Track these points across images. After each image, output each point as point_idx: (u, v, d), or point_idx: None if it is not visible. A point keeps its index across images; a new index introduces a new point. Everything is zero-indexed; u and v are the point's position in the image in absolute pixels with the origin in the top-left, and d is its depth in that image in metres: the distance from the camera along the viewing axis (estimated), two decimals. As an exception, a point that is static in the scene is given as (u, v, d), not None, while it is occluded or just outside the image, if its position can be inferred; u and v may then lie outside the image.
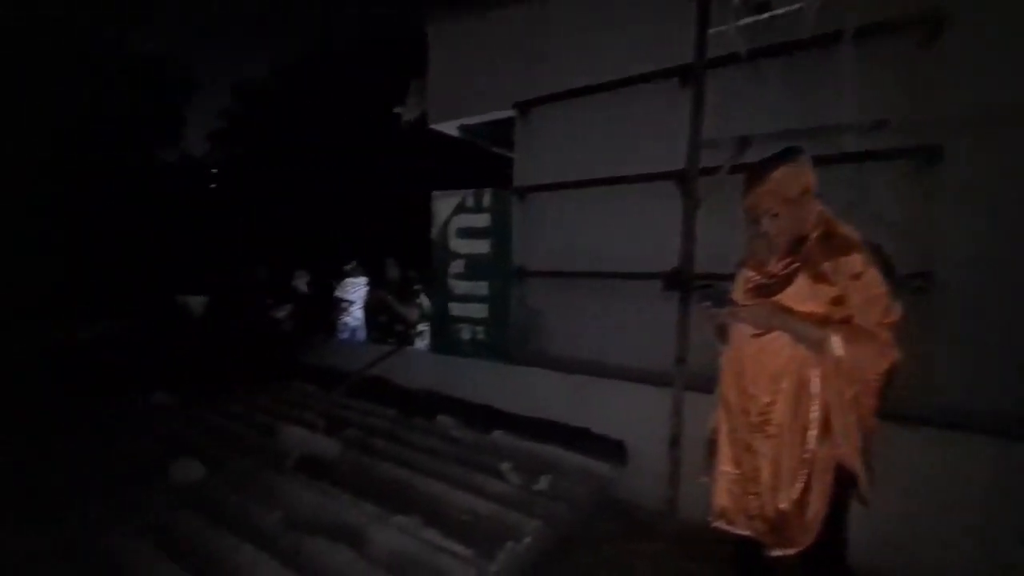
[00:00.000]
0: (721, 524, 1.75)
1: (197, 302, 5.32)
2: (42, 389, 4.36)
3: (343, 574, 1.98)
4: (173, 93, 7.15)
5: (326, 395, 4.36)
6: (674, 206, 3.12)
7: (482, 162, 5.71)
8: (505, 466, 2.95)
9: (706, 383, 2.67)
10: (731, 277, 1.90)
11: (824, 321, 1.53)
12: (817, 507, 1.56)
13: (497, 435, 3.44)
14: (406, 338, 5.20)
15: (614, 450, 3.14)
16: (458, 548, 2.11)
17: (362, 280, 6.03)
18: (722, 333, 1.80)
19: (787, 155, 1.63)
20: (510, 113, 4.56)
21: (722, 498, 1.75)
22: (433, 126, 5.13)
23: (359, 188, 6.33)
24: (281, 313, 5.36)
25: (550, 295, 4.29)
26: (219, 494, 2.58)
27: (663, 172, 3.47)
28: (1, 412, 3.83)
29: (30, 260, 5.58)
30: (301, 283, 5.80)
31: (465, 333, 4.77)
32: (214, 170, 7.09)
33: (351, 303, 5.94)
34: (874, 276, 1.51)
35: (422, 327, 5.41)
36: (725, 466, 1.75)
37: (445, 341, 4.81)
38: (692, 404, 2.86)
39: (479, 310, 4.73)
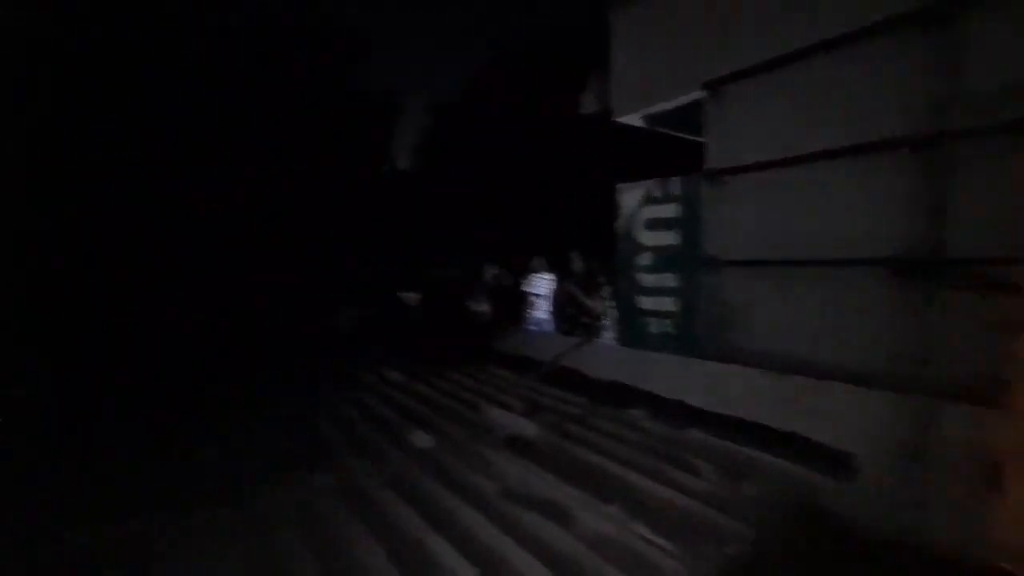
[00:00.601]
0: (1007, 564, 1.45)
1: (412, 297, 6.27)
2: (311, 363, 5.59)
3: (556, 550, 2.15)
4: (385, 117, 8.52)
5: (521, 380, 4.73)
6: (908, 179, 2.65)
7: (667, 151, 5.51)
8: (704, 464, 2.86)
9: (953, 389, 2.23)
10: (998, 261, 1.56)
11: None
12: None
13: (692, 432, 3.33)
14: (592, 330, 5.34)
15: (829, 460, 2.80)
16: (664, 543, 2.13)
17: (548, 274, 6.35)
18: (1016, 330, 1.48)
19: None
20: (698, 96, 4.32)
21: (1010, 533, 1.45)
22: (617, 119, 5.12)
23: (545, 186, 6.69)
24: (479, 306, 5.96)
25: (748, 286, 3.97)
26: (444, 460, 3.01)
27: (895, 139, 2.95)
28: (286, 380, 5.03)
29: (293, 263, 7.22)
30: (493, 278, 6.35)
31: (653, 326, 4.70)
32: (417, 180, 8.28)
33: (538, 296, 6.30)
34: None
35: (607, 320, 5.48)
36: (1021, 494, 1.44)
37: (633, 334, 4.81)
38: (933, 413, 2.41)
39: (668, 303, 4.62)
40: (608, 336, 5.37)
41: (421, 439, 3.28)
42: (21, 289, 5.89)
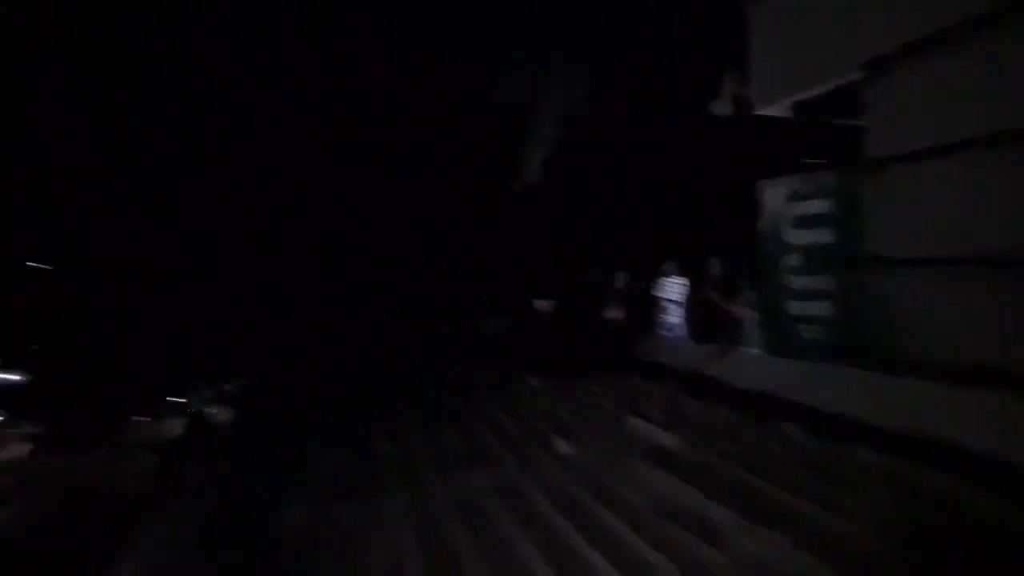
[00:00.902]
0: None
1: (546, 305, 6.49)
2: (460, 368, 6.07)
3: (714, 573, 2.14)
4: (516, 134, 8.90)
5: (658, 389, 4.67)
6: None
7: (812, 142, 5.06)
8: (875, 487, 2.62)
9: None
10: None
11: None
12: None
13: (857, 450, 3.05)
14: (732, 337, 5.07)
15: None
16: None
17: (681, 279, 6.13)
18: None
19: None
20: (855, 78, 3.92)
21: None
22: (758, 111, 4.81)
23: (677, 188, 6.44)
24: (613, 313, 5.97)
25: (920, 287, 3.52)
26: (590, 468, 3.13)
27: None
28: (441, 383, 5.52)
29: (438, 274, 7.86)
30: (625, 284, 6.30)
31: (805, 333, 4.36)
32: (550, 190, 8.53)
33: (671, 301, 6.12)
34: None
35: (749, 326, 5.17)
36: None
37: (780, 341, 4.50)
38: None
39: (821, 307, 4.25)
40: (751, 343, 5.05)
41: (566, 445, 3.44)
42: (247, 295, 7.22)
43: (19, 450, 7.36)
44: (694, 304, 5.82)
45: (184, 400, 8.25)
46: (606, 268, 6.85)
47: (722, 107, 5.26)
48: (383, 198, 8.08)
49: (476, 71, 8.68)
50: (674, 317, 6.10)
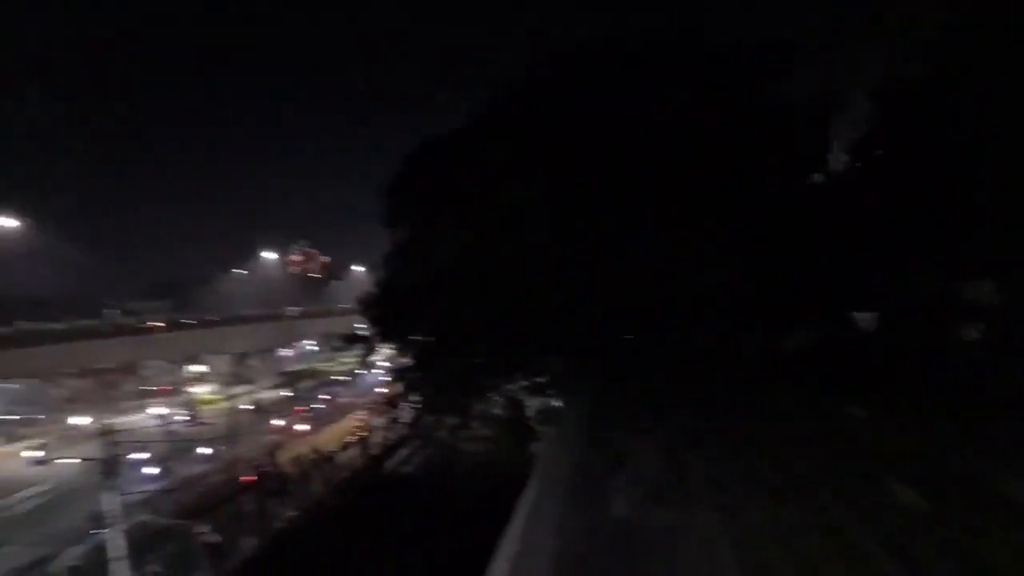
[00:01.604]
0: None
1: (865, 318, 5.52)
2: (764, 387, 5.68)
3: None
4: (819, 124, 7.72)
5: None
6: None
7: None
8: None
9: None
10: None
11: None
12: None
13: None
14: None
15: None
16: None
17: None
18: None
19: None
20: None
21: None
22: None
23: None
24: (965, 332, 4.72)
25: None
26: (954, 534, 2.65)
27: None
28: (743, 401, 5.29)
29: (738, 283, 7.32)
30: (991, 296, 4.89)
31: None
32: (862, 180, 7.09)
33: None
34: None
35: None
36: None
37: None
38: None
39: None
40: None
41: (909, 496, 3.01)
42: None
43: (409, 413, 10.41)
44: None
45: (506, 386, 10.12)
46: (947, 272, 5.46)
47: None
48: (676, 202, 7.86)
49: (764, 62, 7.85)
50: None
